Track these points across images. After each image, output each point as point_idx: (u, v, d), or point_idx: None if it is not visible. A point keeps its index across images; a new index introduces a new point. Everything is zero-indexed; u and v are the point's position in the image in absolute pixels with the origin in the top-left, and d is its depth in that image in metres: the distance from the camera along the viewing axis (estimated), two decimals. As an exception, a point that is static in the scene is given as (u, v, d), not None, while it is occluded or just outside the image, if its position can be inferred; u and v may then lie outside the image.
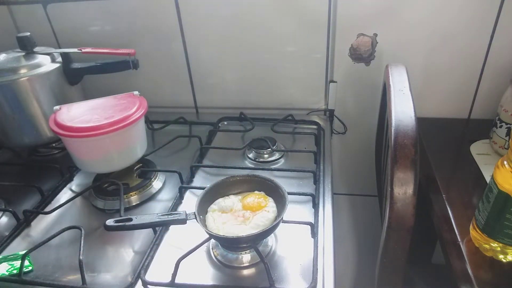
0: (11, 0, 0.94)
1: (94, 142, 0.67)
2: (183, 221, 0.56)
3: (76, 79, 0.86)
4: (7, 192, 0.77)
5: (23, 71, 0.78)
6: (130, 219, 0.57)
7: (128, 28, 0.94)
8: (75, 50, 0.84)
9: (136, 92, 0.77)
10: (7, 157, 0.90)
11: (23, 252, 0.60)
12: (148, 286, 0.55)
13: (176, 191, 0.73)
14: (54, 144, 0.90)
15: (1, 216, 0.71)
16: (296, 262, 0.57)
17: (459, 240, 0.59)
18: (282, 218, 0.56)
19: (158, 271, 0.58)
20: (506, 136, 0.73)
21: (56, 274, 0.59)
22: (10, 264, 0.60)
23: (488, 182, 0.53)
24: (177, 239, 0.63)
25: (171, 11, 0.89)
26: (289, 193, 0.59)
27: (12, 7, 0.95)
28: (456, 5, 0.79)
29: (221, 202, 0.61)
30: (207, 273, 0.57)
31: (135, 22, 0.93)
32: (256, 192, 0.62)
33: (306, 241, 0.60)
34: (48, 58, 0.83)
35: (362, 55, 0.88)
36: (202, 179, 0.78)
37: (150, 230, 0.64)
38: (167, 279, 0.54)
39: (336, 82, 0.93)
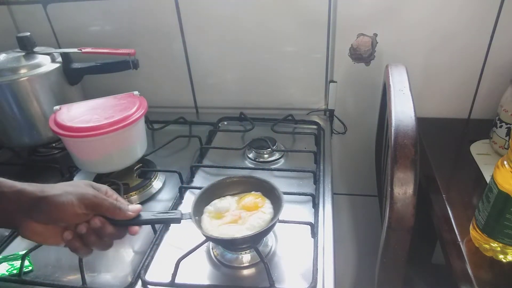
0: (11, 0, 0.94)
1: (94, 142, 0.67)
2: (177, 220, 0.55)
3: (76, 79, 0.86)
4: (7, 192, 0.76)
5: (23, 71, 0.78)
6: None
7: (128, 28, 0.94)
8: (75, 50, 0.84)
9: (136, 92, 0.77)
10: (7, 157, 0.90)
11: (23, 252, 0.60)
12: (148, 286, 0.55)
13: (176, 191, 0.73)
14: (54, 144, 0.90)
15: (1, 216, 0.71)
16: (296, 262, 0.57)
17: (459, 240, 0.59)
18: (278, 219, 0.56)
19: (158, 271, 0.58)
20: (506, 136, 0.73)
21: (56, 274, 0.59)
22: (10, 264, 0.60)
23: (488, 182, 0.53)
24: (177, 239, 0.63)
25: (171, 11, 0.89)
26: (289, 193, 0.59)
27: (12, 7, 0.95)
28: (456, 5, 0.79)
29: (217, 203, 0.60)
30: (207, 273, 0.57)
31: (135, 22, 0.93)
32: (253, 192, 0.62)
33: (306, 241, 0.60)
34: (48, 58, 0.83)
35: (362, 55, 0.88)
36: (202, 179, 0.78)
37: (150, 230, 0.64)
38: (167, 279, 0.54)
39: (336, 82, 0.93)
